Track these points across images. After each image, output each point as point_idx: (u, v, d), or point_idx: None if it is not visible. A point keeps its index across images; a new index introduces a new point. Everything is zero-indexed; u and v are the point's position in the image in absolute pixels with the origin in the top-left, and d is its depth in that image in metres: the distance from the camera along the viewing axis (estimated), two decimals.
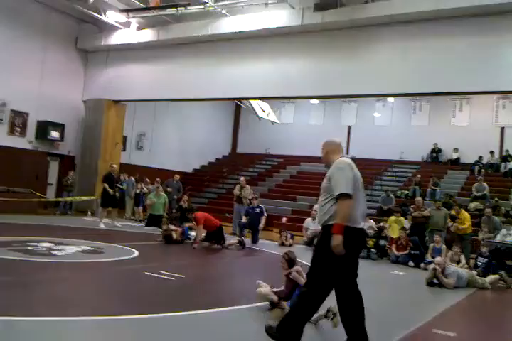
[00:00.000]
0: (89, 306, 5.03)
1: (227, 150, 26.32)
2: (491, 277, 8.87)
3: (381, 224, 13.00)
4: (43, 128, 16.58)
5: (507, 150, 19.36)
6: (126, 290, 6.03)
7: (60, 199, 15.97)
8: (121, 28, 16.60)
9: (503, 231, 11.05)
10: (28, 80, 16.11)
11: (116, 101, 17.63)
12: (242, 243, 11.35)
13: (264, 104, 22.81)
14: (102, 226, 12.94)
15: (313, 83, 13.58)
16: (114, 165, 14.01)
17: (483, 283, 8.62)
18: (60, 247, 8.53)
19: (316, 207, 14.49)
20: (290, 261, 5.61)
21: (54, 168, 17.48)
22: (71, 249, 8.48)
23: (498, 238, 10.86)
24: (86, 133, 17.67)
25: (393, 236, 11.55)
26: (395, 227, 12.02)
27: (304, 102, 23.70)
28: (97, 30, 17.47)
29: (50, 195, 16.82)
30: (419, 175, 18.15)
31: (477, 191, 16.03)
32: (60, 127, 17.02)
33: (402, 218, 12.37)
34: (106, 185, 13.19)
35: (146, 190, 16.05)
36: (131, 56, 17.02)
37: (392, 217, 12.54)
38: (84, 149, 17.60)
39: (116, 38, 16.95)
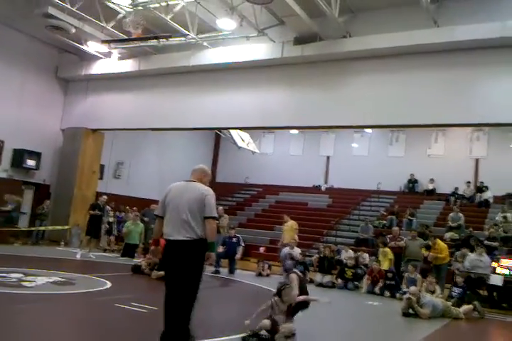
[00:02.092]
0: (57, 340, 4.87)
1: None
2: (465, 307, 8.89)
3: (358, 253, 13.02)
4: (19, 157, 16.36)
5: (481, 182, 19.71)
6: (96, 322, 5.88)
7: (33, 228, 15.66)
8: (102, 58, 16.70)
9: (472, 255, 11.06)
10: (6, 108, 15.99)
11: (95, 130, 17.59)
12: (218, 273, 11.22)
13: (244, 134, 22.98)
14: (91, 256, 12.89)
15: (292, 114, 13.78)
16: (105, 197, 13.97)
17: (457, 313, 8.64)
18: (30, 278, 8.33)
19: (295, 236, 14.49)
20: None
21: (28, 196, 17.18)
22: (41, 280, 8.29)
23: (467, 264, 10.87)
24: (63, 161, 17.53)
25: (384, 268, 11.50)
26: (385, 260, 12.00)
27: (283, 132, 23.97)
28: (77, 60, 17.53)
29: (23, 224, 16.47)
30: (395, 205, 18.31)
31: (452, 221, 16.19)
32: (36, 155, 16.82)
33: (387, 249, 12.34)
34: (91, 212, 13.23)
35: (113, 218, 16.02)
36: (111, 85, 17.08)
37: (380, 249, 12.47)
38: (60, 178, 17.41)
39: (97, 68, 17.02)
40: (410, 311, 8.36)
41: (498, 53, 11.30)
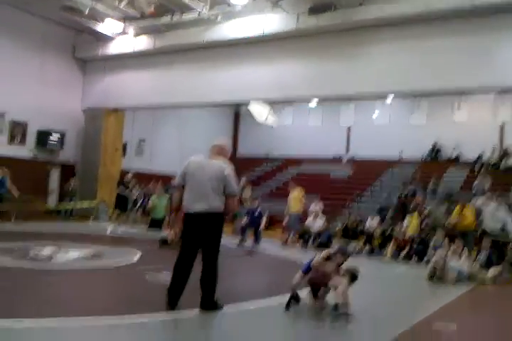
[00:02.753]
0: (90, 308, 5.06)
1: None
2: (493, 270, 8.85)
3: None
4: (43, 137, 16.69)
5: (506, 148, 19.37)
6: (127, 291, 6.07)
7: (62, 206, 16.04)
8: (117, 37, 16.71)
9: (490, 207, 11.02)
10: (27, 90, 16.22)
11: (115, 109, 17.72)
12: (242, 244, 11.38)
13: (263, 108, 22.84)
14: (119, 230, 13.24)
15: (310, 85, 13.68)
16: (130, 175, 14.18)
17: (483, 277, 8.62)
18: (62, 253, 8.55)
19: (313, 207, 14.56)
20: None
21: (55, 176, 17.56)
22: (73, 255, 8.50)
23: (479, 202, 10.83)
24: (86, 140, 17.80)
25: (410, 234, 11.54)
26: (412, 226, 12.03)
27: (302, 105, 23.75)
28: (94, 40, 17.57)
29: (52, 202, 16.89)
30: (417, 174, 18.15)
31: (478, 188, 15.99)
32: (60, 135, 17.11)
33: (414, 216, 12.34)
34: (120, 190, 13.63)
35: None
36: (128, 64, 17.12)
37: (407, 217, 12.47)
38: (84, 157, 17.72)
39: (113, 47, 17.05)
40: (436, 276, 8.39)
41: None
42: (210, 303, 5.06)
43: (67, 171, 17.67)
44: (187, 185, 5.11)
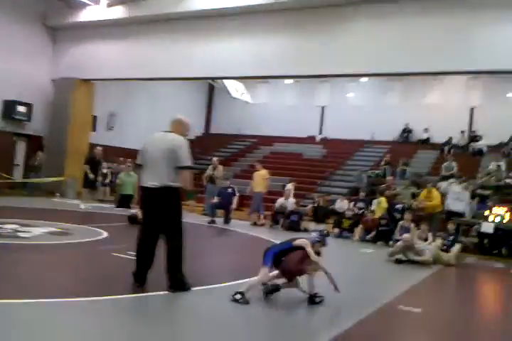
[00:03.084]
0: (55, 288, 4.95)
1: (200, 131, 26.12)
2: (455, 249, 9.05)
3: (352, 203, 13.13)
4: (10, 108, 16.15)
5: (473, 131, 19.74)
6: (94, 270, 5.97)
7: (27, 180, 15.64)
8: (90, 5, 16.14)
9: (455, 187, 11.31)
10: None
11: (86, 80, 17.23)
12: (213, 223, 11.35)
13: (238, 84, 22.63)
14: (87, 207, 12.94)
15: (287, 63, 13.54)
16: (99, 148, 13.78)
17: (448, 259, 8.82)
18: (26, 229, 8.37)
19: (288, 186, 14.62)
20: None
21: (21, 148, 17.09)
22: (38, 231, 8.34)
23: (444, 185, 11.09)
24: (55, 112, 17.30)
25: (376, 217, 11.67)
26: (379, 208, 12.16)
27: (277, 82, 23.52)
28: (65, 7, 16.92)
29: (17, 175, 16.47)
30: (388, 155, 18.33)
31: (446, 170, 16.27)
32: (27, 106, 16.59)
33: (383, 198, 12.48)
34: (87, 168, 13.12)
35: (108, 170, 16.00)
36: (101, 34, 16.58)
37: (380, 198, 12.61)
38: (52, 129, 17.24)
39: (85, 15, 16.49)
40: (403, 258, 8.54)
41: None
42: (176, 283, 4.96)
43: (35, 144, 17.20)
44: (143, 161, 5.10)
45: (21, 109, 16.40)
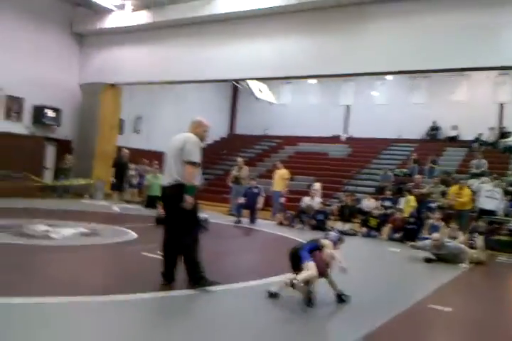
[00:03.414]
0: (89, 287, 5.03)
1: (225, 132, 26.24)
2: (479, 240, 8.89)
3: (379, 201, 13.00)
4: (40, 113, 16.48)
5: (503, 127, 19.31)
6: (123, 270, 6.05)
7: (58, 183, 15.95)
8: (115, 11, 16.39)
9: (486, 186, 11.08)
10: (23, 65, 15.92)
11: (112, 85, 17.51)
12: (239, 223, 11.39)
13: (262, 85, 22.65)
14: (116, 208, 13.14)
15: (311, 62, 13.44)
16: (126, 151, 13.98)
17: (477, 257, 8.66)
18: (57, 230, 8.51)
19: (315, 186, 14.60)
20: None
21: (51, 152, 17.44)
22: (68, 232, 8.47)
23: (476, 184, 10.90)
24: (83, 116, 17.61)
25: (405, 215, 11.53)
26: (408, 207, 12.04)
27: (301, 83, 23.45)
28: (91, 13, 17.24)
29: (48, 178, 16.81)
30: (415, 154, 18.09)
31: (476, 168, 15.98)
32: (56, 111, 16.93)
33: (411, 197, 12.36)
34: (112, 170, 13.47)
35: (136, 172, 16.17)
36: (126, 39, 16.81)
37: (408, 197, 12.48)
38: (81, 133, 17.56)
39: (111, 21, 16.74)
40: (432, 257, 8.42)
41: None
42: (196, 278, 4.99)
43: (64, 148, 17.53)
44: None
45: (50, 113, 16.73)
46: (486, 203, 10.81)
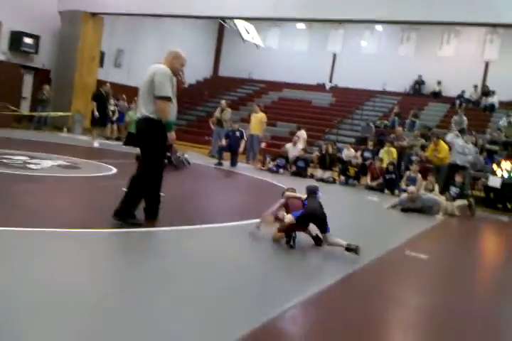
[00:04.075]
0: (65, 219, 4.96)
1: (208, 73, 25.65)
2: (459, 201, 9.15)
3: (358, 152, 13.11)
4: (17, 39, 15.72)
5: (486, 86, 19.37)
6: (103, 204, 5.96)
7: (35, 113, 15.51)
8: None
9: (459, 141, 11.29)
10: None
11: (94, 14, 16.71)
12: (220, 165, 11.38)
13: (250, 26, 21.96)
14: (96, 144, 12.84)
15: (302, 5, 13.15)
16: (108, 85, 13.52)
17: (452, 209, 8.91)
18: (35, 161, 8.38)
19: (299, 133, 14.59)
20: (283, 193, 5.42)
21: (28, 81, 16.82)
22: (47, 163, 8.35)
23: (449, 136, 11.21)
24: (62, 46, 16.87)
25: (383, 166, 11.65)
26: (385, 157, 12.15)
27: (289, 26, 22.87)
28: None
29: (24, 109, 16.32)
30: (397, 107, 18.11)
31: (456, 124, 16.10)
32: (34, 38, 16.15)
33: (392, 149, 12.45)
34: (93, 105, 12.95)
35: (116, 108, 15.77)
36: None
37: (385, 148, 12.58)
38: (60, 63, 16.89)
39: None
40: (410, 206, 8.60)
41: None
42: (123, 212, 4.71)
43: (42, 77, 16.91)
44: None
45: (28, 40, 15.97)
46: (457, 159, 10.96)
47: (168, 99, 4.66)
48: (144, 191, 4.84)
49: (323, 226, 4.94)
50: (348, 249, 4.77)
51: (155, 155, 4.84)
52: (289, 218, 4.87)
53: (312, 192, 5.29)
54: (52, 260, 3.59)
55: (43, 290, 2.96)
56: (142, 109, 4.75)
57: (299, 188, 5.68)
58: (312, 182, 11.07)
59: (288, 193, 5.34)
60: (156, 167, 4.89)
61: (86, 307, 2.84)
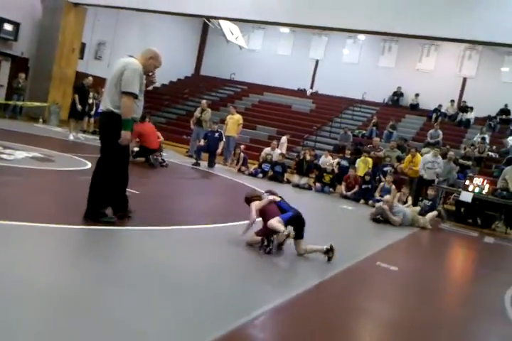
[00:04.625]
0: (35, 213, 4.84)
1: (190, 71, 25.49)
2: (430, 214, 9.30)
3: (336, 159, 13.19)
4: None
5: (464, 101, 19.77)
6: (72, 199, 5.80)
7: (10, 102, 15.12)
8: None
9: (427, 156, 11.48)
10: None
11: (76, 4, 16.43)
12: (197, 165, 11.30)
13: (234, 27, 21.91)
14: (71, 137, 12.56)
15: (288, 9, 13.26)
16: (90, 78, 13.27)
17: (424, 222, 9.03)
18: (9, 151, 8.17)
19: (283, 139, 14.67)
20: (247, 199, 5.32)
21: (5, 68, 16.41)
22: (21, 154, 8.15)
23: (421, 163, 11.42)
24: (42, 35, 16.54)
25: (360, 175, 11.76)
26: (362, 167, 12.25)
27: (274, 29, 22.91)
28: None
29: (0, 97, 15.91)
30: (376, 117, 18.33)
31: (431, 137, 16.39)
32: (14, 25, 15.77)
33: (369, 159, 12.58)
34: (76, 97, 12.69)
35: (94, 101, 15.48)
36: None
37: (362, 157, 12.70)
38: (39, 52, 16.55)
39: None
40: (380, 218, 8.69)
41: None
42: (93, 213, 4.65)
43: (19, 65, 16.52)
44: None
45: (8, 27, 15.60)
46: (427, 174, 11.16)
47: (134, 95, 4.51)
48: (106, 188, 4.69)
49: (301, 232, 4.94)
50: (327, 251, 4.77)
51: (117, 151, 4.64)
52: (278, 222, 4.82)
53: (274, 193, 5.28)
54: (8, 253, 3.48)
55: None
56: (107, 103, 4.58)
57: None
58: (288, 188, 11.18)
59: (259, 203, 5.17)
60: (118, 162, 4.72)
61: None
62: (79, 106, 12.64)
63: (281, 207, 5.09)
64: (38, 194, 5.88)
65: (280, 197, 5.34)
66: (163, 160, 10.69)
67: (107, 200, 4.75)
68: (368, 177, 11.35)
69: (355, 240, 7.10)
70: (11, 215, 4.46)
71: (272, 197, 5.23)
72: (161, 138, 11.31)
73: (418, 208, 9.56)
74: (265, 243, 4.81)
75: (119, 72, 4.52)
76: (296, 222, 4.97)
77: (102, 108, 4.71)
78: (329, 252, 4.86)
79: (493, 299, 4.97)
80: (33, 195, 5.71)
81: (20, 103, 15.05)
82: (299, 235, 4.95)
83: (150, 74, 4.82)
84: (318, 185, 11.94)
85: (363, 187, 11.23)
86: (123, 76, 4.47)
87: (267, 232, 4.88)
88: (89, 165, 8.52)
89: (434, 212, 9.43)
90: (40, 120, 15.41)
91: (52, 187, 6.54)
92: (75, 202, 5.04)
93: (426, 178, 11.13)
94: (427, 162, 11.29)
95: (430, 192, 10.26)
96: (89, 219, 4.61)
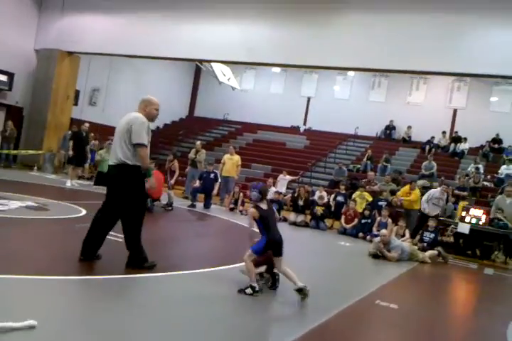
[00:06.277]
0: (31, 265, 4.80)
1: (184, 113, 25.84)
2: (430, 252, 9.20)
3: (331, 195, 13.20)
4: None
5: (456, 132, 19.99)
6: (70, 249, 5.80)
7: (5, 151, 15.22)
8: None
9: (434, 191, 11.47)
10: None
11: (71, 53, 16.82)
12: (193, 207, 11.28)
13: (226, 68, 22.38)
14: (68, 184, 12.63)
15: (277, 51, 13.51)
16: (87, 125, 13.46)
17: (423, 257, 8.93)
18: (2, 201, 8.16)
19: (281, 176, 14.75)
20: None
21: (0, 118, 16.61)
22: (15, 204, 8.13)
23: (425, 197, 11.34)
24: (37, 84, 16.85)
25: (359, 210, 11.75)
26: (359, 202, 12.26)
27: (265, 69, 23.44)
28: None
29: None
30: (370, 151, 18.47)
31: (425, 169, 16.47)
32: (8, 75, 16.09)
33: (366, 193, 12.61)
34: (71, 144, 12.94)
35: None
36: (89, 5, 16.07)
37: (357, 192, 12.73)
38: (33, 101, 16.81)
39: None
40: (379, 253, 8.61)
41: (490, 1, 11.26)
42: (136, 260, 5.05)
43: (15, 114, 16.73)
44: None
45: (2, 77, 15.91)
46: (431, 210, 11.09)
47: (145, 146, 4.91)
48: (138, 235, 5.07)
49: (279, 250, 4.87)
50: (299, 291, 4.70)
51: (134, 201, 4.98)
52: (249, 257, 4.78)
53: (264, 194, 5.12)
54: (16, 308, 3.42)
55: None
56: (119, 155, 4.88)
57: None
58: (285, 226, 11.13)
59: (252, 213, 5.00)
60: (138, 211, 5.08)
61: None
62: (70, 153, 12.75)
63: (259, 227, 4.97)
64: (28, 245, 5.81)
65: (269, 201, 5.19)
66: (167, 204, 10.79)
67: (141, 246, 5.08)
68: (367, 213, 11.35)
69: (354, 278, 7.01)
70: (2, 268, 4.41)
71: (251, 211, 5.01)
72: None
73: (416, 247, 9.40)
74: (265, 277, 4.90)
75: (126, 126, 4.89)
76: (273, 245, 4.87)
77: (112, 161, 4.96)
78: (300, 293, 4.75)
79: (496, 334, 4.86)
80: (23, 246, 5.64)
81: (15, 152, 15.12)
82: (277, 253, 4.88)
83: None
84: (312, 221, 11.92)
85: (362, 221, 11.20)
86: (132, 130, 4.84)
87: (260, 262, 4.85)
88: (83, 212, 8.51)
89: (435, 252, 9.30)
90: (35, 168, 15.46)
91: (44, 237, 6.47)
92: (68, 251, 4.99)
93: (428, 213, 11.05)
94: (433, 198, 11.21)
95: (431, 223, 10.17)
96: (135, 266, 4.99)
